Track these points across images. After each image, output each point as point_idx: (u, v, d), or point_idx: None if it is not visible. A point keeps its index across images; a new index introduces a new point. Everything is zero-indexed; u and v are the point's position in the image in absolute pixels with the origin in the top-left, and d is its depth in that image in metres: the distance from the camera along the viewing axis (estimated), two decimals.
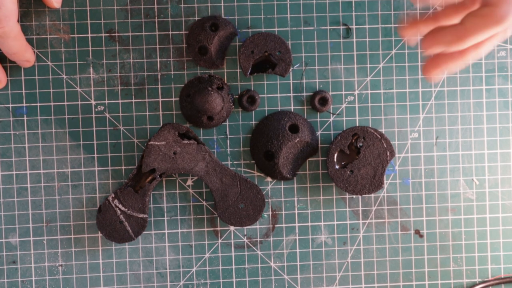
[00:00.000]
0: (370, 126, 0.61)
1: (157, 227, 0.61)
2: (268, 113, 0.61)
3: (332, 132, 0.62)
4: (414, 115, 0.62)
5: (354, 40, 0.61)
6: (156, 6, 0.60)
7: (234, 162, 0.61)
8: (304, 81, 0.61)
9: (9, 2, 0.52)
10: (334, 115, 0.62)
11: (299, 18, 0.61)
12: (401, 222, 0.62)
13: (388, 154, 0.59)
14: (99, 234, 0.61)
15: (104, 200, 0.59)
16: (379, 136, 0.59)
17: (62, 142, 0.60)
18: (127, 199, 0.59)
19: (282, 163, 0.59)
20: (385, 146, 0.59)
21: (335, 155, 0.60)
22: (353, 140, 0.60)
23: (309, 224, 0.62)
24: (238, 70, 0.61)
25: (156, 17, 0.60)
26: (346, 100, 0.62)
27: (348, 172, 0.59)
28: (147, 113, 0.61)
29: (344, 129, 0.61)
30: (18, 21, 0.58)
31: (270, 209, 0.62)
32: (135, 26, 0.60)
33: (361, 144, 0.59)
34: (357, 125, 0.61)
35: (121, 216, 0.59)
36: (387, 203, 0.62)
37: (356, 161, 0.59)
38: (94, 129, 0.60)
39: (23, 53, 0.57)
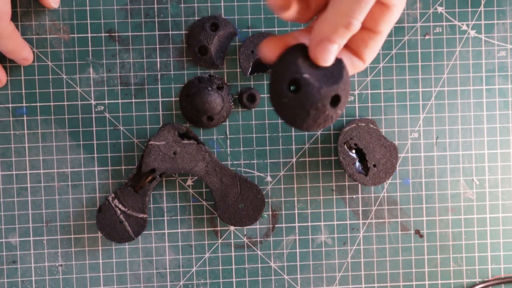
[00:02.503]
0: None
1: (157, 227, 0.61)
2: (268, 113, 0.61)
3: (332, 132, 0.62)
4: (414, 115, 0.62)
5: None
6: (156, 6, 0.60)
7: (234, 162, 0.61)
8: None
9: (1, 2, 0.52)
10: None
11: None
12: (401, 222, 0.62)
13: (378, 132, 0.59)
14: (99, 234, 0.61)
15: (104, 200, 0.59)
16: (363, 124, 0.59)
17: (62, 142, 0.60)
18: (127, 199, 0.59)
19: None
20: (374, 127, 0.59)
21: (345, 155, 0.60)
22: (348, 140, 0.60)
23: (309, 224, 0.62)
24: (238, 70, 0.61)
25: (156, 17, 0.60)
26: None
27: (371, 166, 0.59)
28: (147, 113, 0.61)
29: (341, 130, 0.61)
30: (18, 21, 0.58)
31: (270, 209, 0.62)
32: (135, 26, 0.60)
33: (356, 143, 0.59)
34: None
35: (121, 216, 0.59)
36: (387, 203, 0.62)
37: (367, 155, 0.59)
38: (94, 129, 0.60)
39: (19, 51, 0.57)
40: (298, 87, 0.39)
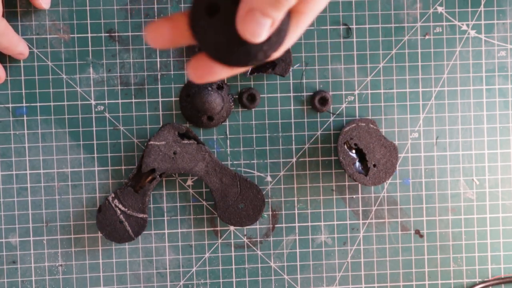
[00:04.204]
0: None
1: (157, 227, 0.61)
2: (268, 112, 0.61)
3: (332, 132, 0.62)
4: (414, 115, 0.62)
5: (354, 40, 0.61)
6: (156, 6, 0.60)
7: (234, 162, 0.61)
8: (304, 81, 0.61)
9: None
10: (334, 115, 0.62)
11: None
12: (401, 222, 0.62)
13: (379, 132, 0.59)
14: (99, 234, 0.61)
15: (104, 200, 0.59)
16: (363, 124, 0.59)
17: (62, 142, 0.60)
18: (127, 199, 0.59)
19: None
20: (374, 127, 0.59)
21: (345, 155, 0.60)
22: (348, 140, 0.60)
23: (309, 224, 0.62)
24: None
25: (156, 17, 0.60)
26: (346, 100, 0.62)
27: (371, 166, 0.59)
28: (147, 113, 0.61)
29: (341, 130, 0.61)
30: (18, 21, 0.58)
31: (270, 209, 0.62)
32: (135, 26, 0.60)
33: (356, 143, 0.59)
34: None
35: (121, 216, 0.59)
36: (387, 203, 0.62)
37: (366, 155, 0.59)
38: (94, 129, 0.60)
39: (14, 47, 0.57)
40: (216, 10, 0.32)
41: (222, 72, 0.34)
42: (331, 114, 0.62)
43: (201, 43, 0.32)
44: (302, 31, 0.34)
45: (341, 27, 0.61)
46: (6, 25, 0.56)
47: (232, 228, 0.62)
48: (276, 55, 0.33)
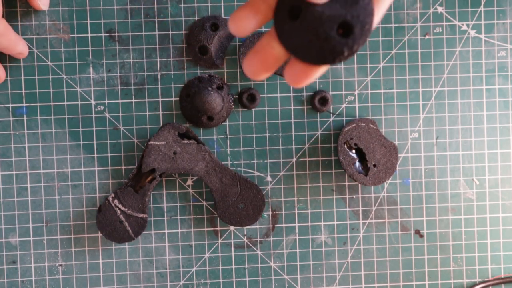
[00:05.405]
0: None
1: (157, 227, 0.61)
2: (268, 112, 0.61)
3: (332, 132, 0.62)
4: (414, 115, 0.62)
5: None
6: (156, 6, 0.60)
7: (234, 162, 0.61)
8: None
9: None
10: (334, 115, 0.62)
11: None
12: (401, 222, 0.62)
13: (380, 133, 0.59)
14: (99, 234, 0.61)
15: (104, 200, 0.59)
16: (363, 124, 0.59)
17: (62, 142, 0.60)
18: (127, 199, 0.59)
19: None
20: (374, 127, 0.59)
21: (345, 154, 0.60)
22: (348, 140, 0.60)
23: (309, 224, 0.62)
24: (238, 70, 0.61)
25: (156, 17, 0.60)
26: (346, 100, 0.62)
27: (371, 166, 0.59)
28: (147, 113, 0.61)
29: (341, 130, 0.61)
30: (18, 21, 0.58)
31: (270, 209, 0.62)
32: (135, 26, 0.60)
33: (356, 143, 0.59)
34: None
35: (121, 216, 0.59)
36: (387, 203, 0.62)
37: (367, 155, 0.59)
38: (94, 129, 0.60)
39: (13, 47, 0.57)
40: (298, 13, 0.34)
41: (315, 72, 0.35)
42: (331, 114, 0.62)
43: (289, 47, 0.35)
44: (381, 17, 0.35)
45: None
46: (5, 25, 0.56)
47: (232, 228, 0.62)
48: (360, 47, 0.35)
